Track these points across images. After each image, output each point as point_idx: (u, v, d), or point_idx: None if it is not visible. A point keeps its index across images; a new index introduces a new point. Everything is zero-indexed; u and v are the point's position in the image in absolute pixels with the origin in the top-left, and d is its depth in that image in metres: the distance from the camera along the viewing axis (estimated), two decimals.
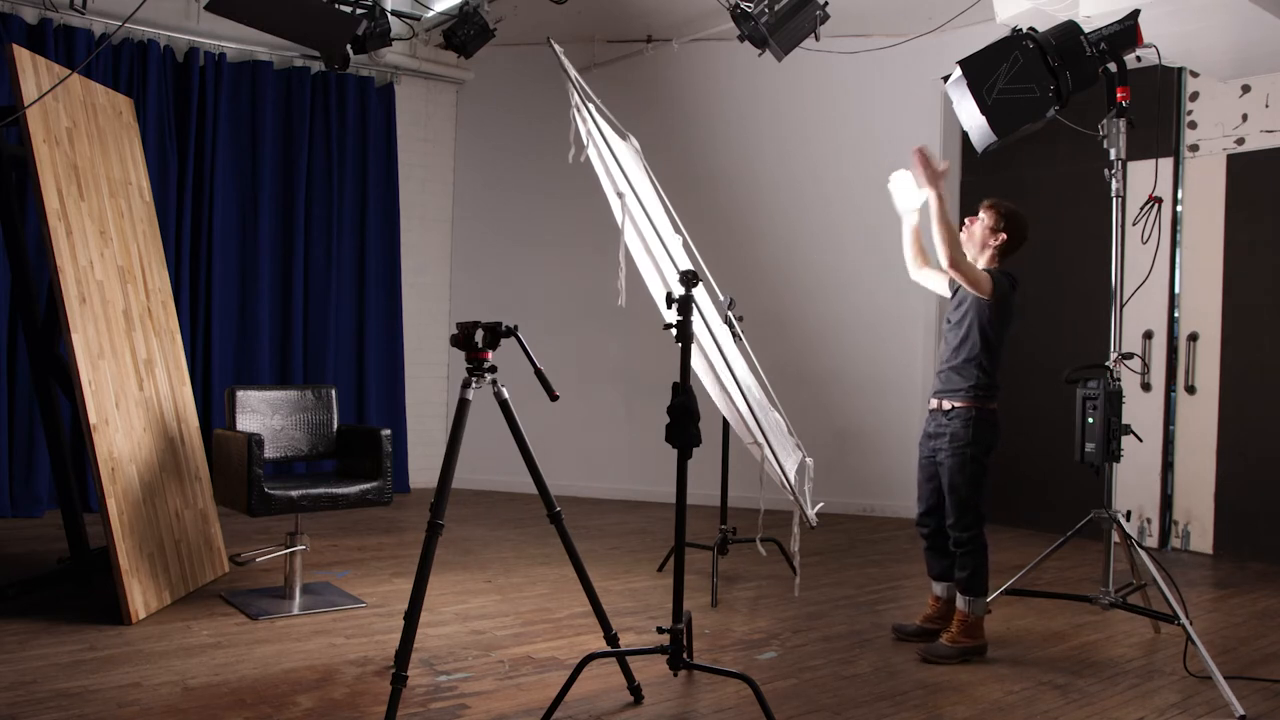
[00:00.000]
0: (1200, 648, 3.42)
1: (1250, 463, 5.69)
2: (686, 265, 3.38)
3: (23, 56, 3.95)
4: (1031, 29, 3.69)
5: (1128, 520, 4.70)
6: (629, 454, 7.33)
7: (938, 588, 4.04)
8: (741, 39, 4.85)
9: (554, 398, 3.15)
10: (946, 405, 3.84)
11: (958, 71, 3.69)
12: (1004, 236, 3.86)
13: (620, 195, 3.35)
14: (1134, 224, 4.04)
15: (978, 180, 6.86)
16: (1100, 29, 3.72)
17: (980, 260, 3.89)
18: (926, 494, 3.96)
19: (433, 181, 7.68)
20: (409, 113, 7.50)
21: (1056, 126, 3.90)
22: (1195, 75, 5.84)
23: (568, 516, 3.36)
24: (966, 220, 3.95)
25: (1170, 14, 4.33)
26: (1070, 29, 3.69)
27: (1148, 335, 6.04)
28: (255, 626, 3.93)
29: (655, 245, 3.37)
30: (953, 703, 3.31)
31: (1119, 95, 3.76)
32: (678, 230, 3.93)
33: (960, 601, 3.79)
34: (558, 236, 7.51)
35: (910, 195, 3.98)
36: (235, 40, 6.63)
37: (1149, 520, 6.04)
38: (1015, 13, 4.66)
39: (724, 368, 3.48)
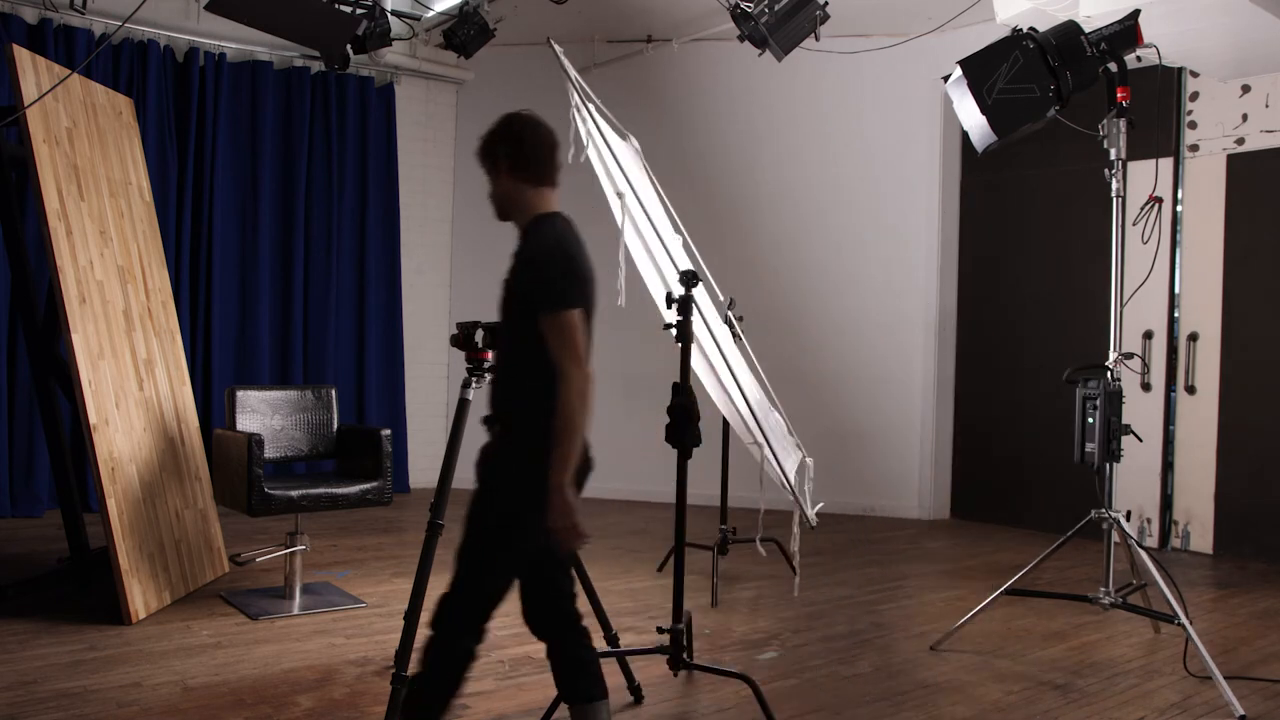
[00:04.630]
0: (1200, 648, 3.42)
1: (1250, 463, 5.69)
2: (686, 265, 3.38)
3: (23, 56, 3.95)
4: (1031, 29, 3.69)
5: (1127, 520, 4.70)
6: (629, 454, 7.32)
7: None
8: (741, 39, 4.85)
9: None
10: None
11: (958, 71, 3.69)
12: (508, 165, 2.45)
13: (620, 195, 3.36)
14: (1134, 224, 4.03)
15: (978, 180, 6.87)
16: (1100, 29, 3.72)
17: (523, 214, 2.49)
18: None
19: (433, 181, 7.68)
20: (409, 113, 7.50)
21: (1056, 126, 3.90)
22: (1195, 75, 5.84)
23: None
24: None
25: (1170, 14, 4.33)
26: (1070, 29, 3.70)
27: (1148, 335, 6.04)
28: (255, 626, 3.93)
29: (655, 245, 3.38)
30: (953, 703, 3.31)
31: (1119, 95, 3.76)
32: (678, 230, 3.93)
33: None
34: None
35: None
36: (235, 40, 6.63)
37: (1149, 520, 6.03)
38: (1015, 13, 4.66)
39: (724, 368, 3.48)
